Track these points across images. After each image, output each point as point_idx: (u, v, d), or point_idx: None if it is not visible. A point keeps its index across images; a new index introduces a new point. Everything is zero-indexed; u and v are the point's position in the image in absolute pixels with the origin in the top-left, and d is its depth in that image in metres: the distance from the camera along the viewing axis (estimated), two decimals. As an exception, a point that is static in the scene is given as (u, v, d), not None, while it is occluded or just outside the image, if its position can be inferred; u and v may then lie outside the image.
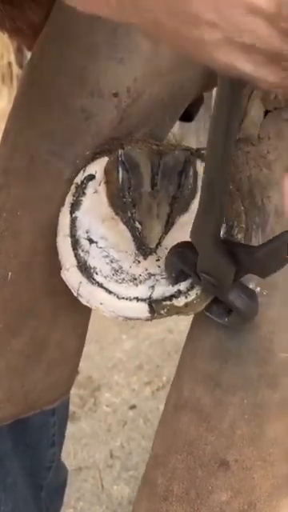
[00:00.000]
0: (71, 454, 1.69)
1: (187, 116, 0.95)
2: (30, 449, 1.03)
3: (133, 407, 1.81)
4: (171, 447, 0.77)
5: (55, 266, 0.76)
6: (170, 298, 0.71)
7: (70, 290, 0.74)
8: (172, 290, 0.71)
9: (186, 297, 0.71)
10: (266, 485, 0.74)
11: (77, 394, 1.84)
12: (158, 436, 0.81)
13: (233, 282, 0.67)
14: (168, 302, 0.71)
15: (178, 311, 0.71)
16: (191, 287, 0.71)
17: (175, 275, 0.71)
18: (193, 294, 0.71)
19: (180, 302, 0.71)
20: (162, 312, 0.70)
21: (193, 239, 0.66)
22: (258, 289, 0.73)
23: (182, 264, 0.69)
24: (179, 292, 0.71)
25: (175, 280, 0.71)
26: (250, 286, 0.73)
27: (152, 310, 0.70)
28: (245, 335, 0.73)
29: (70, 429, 1.72)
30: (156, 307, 0.70)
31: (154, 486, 0.77)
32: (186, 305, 0.71)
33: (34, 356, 0.88)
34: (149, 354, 1.97)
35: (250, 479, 0.74)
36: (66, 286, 0.74)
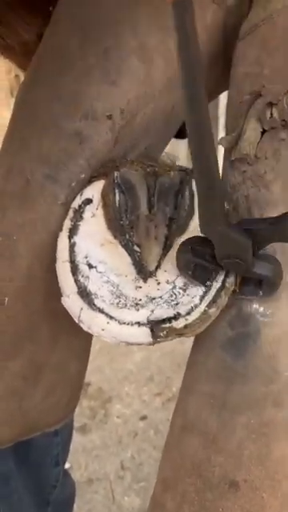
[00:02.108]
0: (82, 465, 1.70)
1: (181, 134, 0.95)
2: (33, 469, 1.03)
3: (143, 418, 1.81)
4: (179, 470, 0.76)
5: (53, 289, 0.76)
6: (170, 320, 0.70)
7: (68, 313, 0.73)
8: (171, 312, 0.70)
9: (186, 319, 0.70)
10: (276, 503, 0.73)
11: (88, 406, 1.84)
12: (164, 459, 0.80)
13: (254, 256, 0.67)
14: (167, 324, 0.70)
15: (178, 333, 0.70)
16: (191, 310, 0.70)
17: (191, 272, 0.71)
18: (193, 316, 0.70)
19: (179, 323, 0.70)
20: (161, 334, 0.69)
21: (205, 231, 0.66)
22: (262, 308, 0.72)
23: (200, 259, 0.69)
24: (178, 314, 0.70)
25: (192, 276, 0.71)
26: (254, 306, 0.73)
27: (154, 335, 0.70)
28: (250, 355, 0.72)
29: (81, 440, 1.73)
30: (155, 329, 0.70)
31: (163, 510, 0.77)
32: (186, 326, 0.70)
33: (32, 378, 0.87)
34: (159, 365, 1.97)
35: (260, 499, 0.73)
36: (65, 310, 0.73)
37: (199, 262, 0.69)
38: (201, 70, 0.54)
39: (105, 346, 1.96)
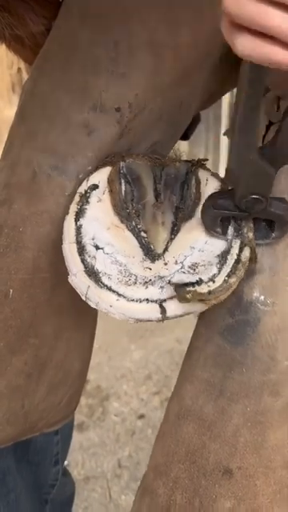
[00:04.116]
0: (79, 463, 1.69)
1: (184, 134, 0.96)
2: (32, 467, 1.03)
3: (141, 417, 1.81)
4: (173, 456, 0.77)
5: (58, 282, 0.75)
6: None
7: (72, 309, 0.72)
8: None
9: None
10: (268, 491, 0.74)
11: (85, 404, 1.84)
12: (157, 445, 0.80)
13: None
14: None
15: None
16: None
17: (220, 228, 0.71)
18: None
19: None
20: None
21: (237, 162, 0.65)
22: (262, 297, 0.73)
23: (224, 210, 0.70)
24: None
25: (222, 233, 0.71)
26: (254, 295, 0.73)
27: (163, 311, 0.69)
28: (249, 343, 0.73)
29: (79, 438, 1.73)
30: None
31: (155, 496, 0.77)
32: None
33: (35, 375, 0.87)
34: (157, 363, 1.97)
35: (253, 486, 0.74)
36: (69, 305, 0.72)
37: (224, 214, 0.70)
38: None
39: (104, 344, 1.97)
